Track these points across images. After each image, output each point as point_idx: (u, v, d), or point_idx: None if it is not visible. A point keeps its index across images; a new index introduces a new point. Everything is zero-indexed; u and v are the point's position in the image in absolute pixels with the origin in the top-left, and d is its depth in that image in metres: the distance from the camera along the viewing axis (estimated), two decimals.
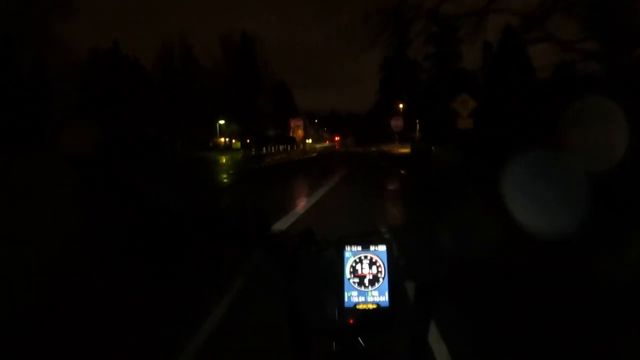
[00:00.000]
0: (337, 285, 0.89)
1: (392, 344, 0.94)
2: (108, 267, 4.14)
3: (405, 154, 31.15)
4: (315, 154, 34.65)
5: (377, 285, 0.90)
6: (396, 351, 0.94)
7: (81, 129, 21.71)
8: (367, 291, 0.89)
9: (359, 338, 0.90)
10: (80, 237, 5.08)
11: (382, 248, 0.91)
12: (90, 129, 22.14)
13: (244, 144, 50.99)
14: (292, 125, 50.96)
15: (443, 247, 0.90)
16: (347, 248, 0.91)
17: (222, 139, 53.58)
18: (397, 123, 40.12)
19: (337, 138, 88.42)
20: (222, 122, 44.67)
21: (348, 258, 0.90)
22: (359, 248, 0.91)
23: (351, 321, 0.87)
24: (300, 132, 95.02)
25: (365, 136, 59.31)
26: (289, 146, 50.76)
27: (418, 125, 42.05)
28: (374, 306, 0.89)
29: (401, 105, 47.76)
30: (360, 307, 0.89)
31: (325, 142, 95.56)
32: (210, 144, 47.78)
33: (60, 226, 5.33)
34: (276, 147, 46.20)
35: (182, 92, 44.53)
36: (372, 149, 43.76)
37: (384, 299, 0.89)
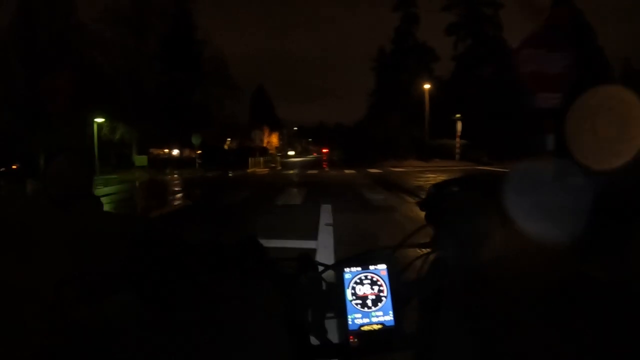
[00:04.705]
0: (340, 308, 0.90)
1: None
2: None
3: None
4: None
5: (380, 305, 0.91)
6: None
7: None
8: (371, 312, 0.90)
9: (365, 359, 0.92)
10: None
11: (383, 266, 0.92)
12: None
13: (158, 161, 32.01)
14: None
15: (446, 258, 0.92)
16: (347, 269, 0.92)
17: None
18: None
19: (324, 150, 72.02)
20: (99, 120, 25.47)
21: (348, 280, 0.91)
22: (359, 268, 0.92)
23: (355, 342, 0.88)
24: (274, 141, 78.12)
25: (358, 149, 38.38)
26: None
27: (460, 127, 22.54)
28: (379, 326, 0.90)
29: (427, 86, 28.13)
30: (365, 328, 0.89)
31: (312, 154, 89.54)
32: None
33: None
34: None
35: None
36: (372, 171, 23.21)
37: (389, 318, 0.90)
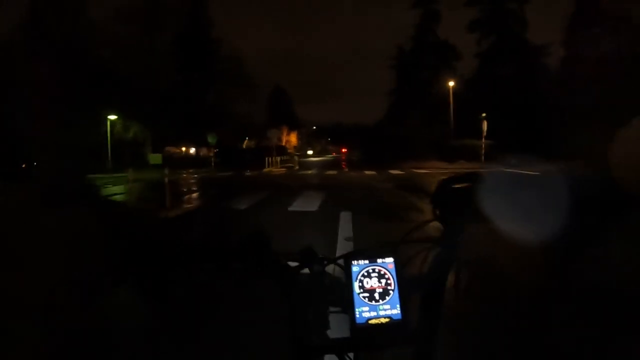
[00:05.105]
0: (347, 302, 0.91)
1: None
2: None
3: None
4: None
5: (387, 298, 0.92)
6: None
7: None
8: (378, 305, 0.91)
9: (370, 354, 0.94)
10: None
11: (390, 260, 0.93)
12: None
13: (174, 159, 32.23)
14: None
15: (448, 254, 0.94)
16: (354, 262, 0.92)
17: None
18: None
19: (343, 150, 72.08)
20: (112, 118, 25.93)
21: (356, 272, 0.92)
22: (367, 261, 0.93)
23: (363, 336, 0.90)
24: (293, 141, 78.25)
25: (378, 149, 38.20)
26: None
27: (485, 127, 22.19)
28: (387, 320, 0.91)
29: (452, 83, 27.81)
30: (372, 322, 0.90)
31: (331, 154, 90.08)
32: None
33: None
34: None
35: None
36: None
37: (396, 311, 0.91)
